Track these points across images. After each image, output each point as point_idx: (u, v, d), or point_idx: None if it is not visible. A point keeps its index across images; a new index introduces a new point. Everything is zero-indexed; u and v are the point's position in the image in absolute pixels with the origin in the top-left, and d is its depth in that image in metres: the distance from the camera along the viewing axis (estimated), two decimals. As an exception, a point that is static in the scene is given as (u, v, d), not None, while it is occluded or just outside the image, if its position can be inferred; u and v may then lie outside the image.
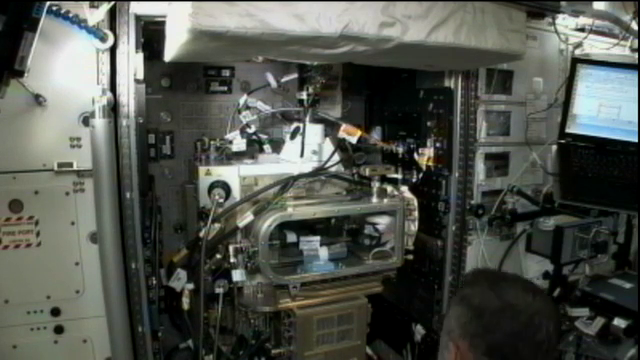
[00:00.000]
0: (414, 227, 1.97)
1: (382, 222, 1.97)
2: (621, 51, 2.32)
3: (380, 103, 2.43)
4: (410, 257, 1.99)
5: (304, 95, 2.00)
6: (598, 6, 2.10)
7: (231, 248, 1.75)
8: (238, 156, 2.00)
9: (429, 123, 2.10)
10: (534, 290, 1.01)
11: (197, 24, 1.18)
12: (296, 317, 1.81)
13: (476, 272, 1.15)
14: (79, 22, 1.39)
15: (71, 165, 1.47)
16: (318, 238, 1.92)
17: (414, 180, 2.13)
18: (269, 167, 1.92)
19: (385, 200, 1.92)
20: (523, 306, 0.97)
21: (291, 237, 1.94)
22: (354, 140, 2.01)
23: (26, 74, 1.24)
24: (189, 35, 1.21)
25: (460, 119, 2.00)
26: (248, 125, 2.07)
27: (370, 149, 2.23)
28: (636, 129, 2.07)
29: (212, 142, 1.97)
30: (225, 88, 2.18)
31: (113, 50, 1.48)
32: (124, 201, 1.53)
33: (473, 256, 2.10)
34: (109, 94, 1.46)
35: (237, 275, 1.76)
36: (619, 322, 1.91)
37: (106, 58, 1.48)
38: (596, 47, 2.33)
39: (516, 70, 2.10)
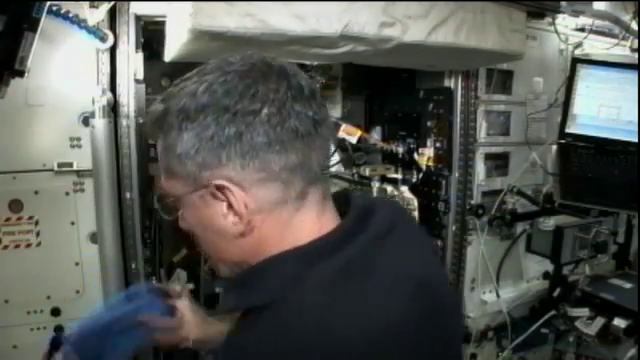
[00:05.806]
0: (414, 227, 1.97)
1: (382, 222, 1.96)
2: (621, 51, 2.32)
3: (380, 103, 2.43)
4: (410, 257, 1.98)
5: (304, 95, 2.00)
6: (598, 6, 2.10)
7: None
8: (238, 156, 1.99)
9: (429, 123, 2.10)
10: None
11: (197, 24, 1.18)
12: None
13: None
14: (79, 22, 1.39)
15: (71, 165, 1.46)
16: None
17: (414, 180, 2.12)
18: (269, 167, 1.91)
19: (385, 200, 1.92)
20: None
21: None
22: (354, 140, 2.00)
23: (26, 74, 1.24)
24: (189, 35, 1.21)
25: (460, 119, 2.00)
26: (248, 125, 2.06)
27: (370, 149, 2.22)
28: (636, 129, 2.07)
29: (212, 142, 1.96)
30: (225, 88, 2.17)
31: (113, 50, 1.48)
32: (124, 201, 1.53)
33: (473, 256, 2.10)
34: (109, 94, 1.46)
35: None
36: (619, 322, 1.91)
37: (106, 58, 1.47)
38: (596, 47, 2.33)
39: (516, 70, 2.10)
